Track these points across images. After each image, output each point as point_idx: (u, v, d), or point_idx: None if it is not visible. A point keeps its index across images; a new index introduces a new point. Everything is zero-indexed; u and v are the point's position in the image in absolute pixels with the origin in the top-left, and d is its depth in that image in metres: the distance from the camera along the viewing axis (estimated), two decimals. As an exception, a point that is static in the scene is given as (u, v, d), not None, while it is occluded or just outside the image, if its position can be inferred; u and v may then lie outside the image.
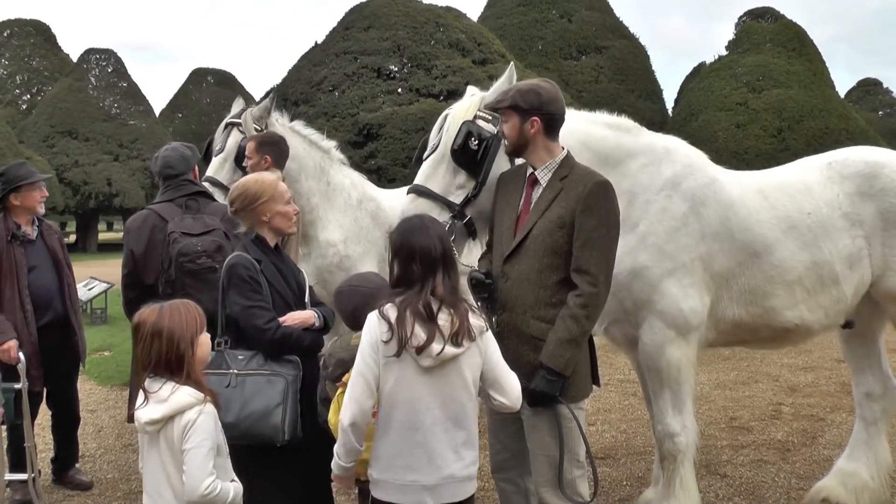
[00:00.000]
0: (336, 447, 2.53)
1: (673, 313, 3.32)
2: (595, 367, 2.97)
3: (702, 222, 3.38)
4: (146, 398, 2.41)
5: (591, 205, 2.77)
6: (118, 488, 4.79)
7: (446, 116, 3.15)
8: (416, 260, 2.42)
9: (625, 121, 3.52)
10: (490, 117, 3.08)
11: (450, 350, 2.37)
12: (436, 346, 2.36)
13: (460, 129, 3.04)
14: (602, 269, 2.77)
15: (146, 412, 2.40)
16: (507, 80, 3.13)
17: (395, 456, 2.43)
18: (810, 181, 3.68)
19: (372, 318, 2.43)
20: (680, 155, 3.50)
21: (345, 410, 2.43)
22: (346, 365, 2.61)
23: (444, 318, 2.38)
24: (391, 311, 2.40)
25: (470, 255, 3.20)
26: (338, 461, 2.53)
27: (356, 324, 2.68)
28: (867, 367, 4.17)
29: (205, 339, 2.52)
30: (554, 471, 2.80)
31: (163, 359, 2.40)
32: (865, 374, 4.17)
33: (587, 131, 3.29)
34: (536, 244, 2.81)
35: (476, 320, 2.44)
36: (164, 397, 2.38)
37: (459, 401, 2.44)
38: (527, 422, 2.87)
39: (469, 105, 3.15)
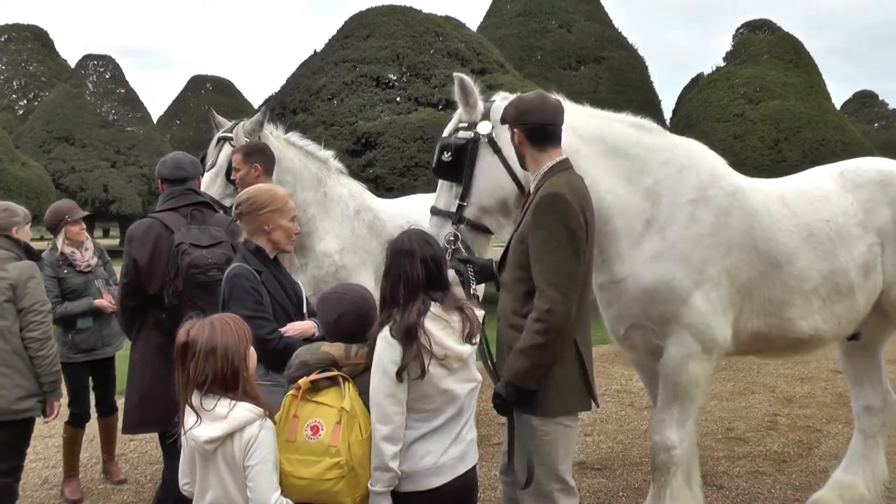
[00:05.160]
0: (375, 471, 2.44)
1: (701, 327, 3.28)
2: (590, 387, 2.91)
3: (728, 233, 3.34)
4: (198, 417, 2.34)
5: (538, 219, 2.76)
6: (110, 499, 4.76)
7: None
8: (400, 283, 2.51)
9: (647, 122, 3.52)
10: (467, 125, 3.25)
11: (466, 349, 2.54)
12: (456, 349, 2.49)
13: (435, 149, 3.24)
14: (555, 282, 2.70)
15: (204, 431, 2.32)
16: (457, 92, 3.27)
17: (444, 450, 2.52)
18: (827, 189, 3.68)
19: (385, 339, 2.46)
20: (704, 162, 3.48)
21: (381, 428, 2.43)
22: (307, 368, 2.55)
23: (455, 319, 2.53)
24: (399, 333, 2.45)
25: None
26: (384, 475, 2.43)
27: (338, 331, 2.67)
28: (867, 381, 4.16)
29: (253, 352, 2.49)
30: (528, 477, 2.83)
31: (218, 376, 2.34)
32: (865, 387, 4.16)
33: (605, 126, 3.37)
34: (510, 256, 2.94)
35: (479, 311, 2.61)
36: (223, 414, 2.33)
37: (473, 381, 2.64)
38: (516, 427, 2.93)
39: (450, 125, 3.34)
